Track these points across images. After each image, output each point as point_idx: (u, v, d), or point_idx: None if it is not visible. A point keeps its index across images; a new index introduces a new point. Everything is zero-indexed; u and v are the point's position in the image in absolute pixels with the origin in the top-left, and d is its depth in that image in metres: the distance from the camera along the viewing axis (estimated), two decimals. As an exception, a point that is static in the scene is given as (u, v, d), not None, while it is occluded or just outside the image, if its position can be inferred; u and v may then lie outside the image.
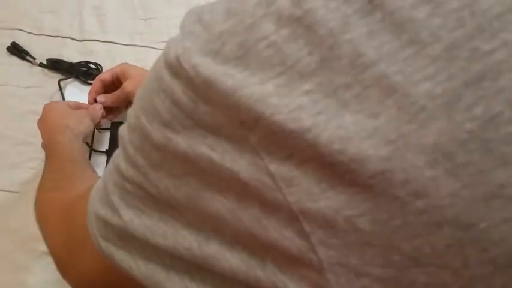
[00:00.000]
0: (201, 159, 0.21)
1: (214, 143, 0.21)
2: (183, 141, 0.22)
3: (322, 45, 0.18)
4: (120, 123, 0.74)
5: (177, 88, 0.21)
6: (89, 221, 0.29)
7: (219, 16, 0.21)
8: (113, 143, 0.73)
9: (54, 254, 0.37)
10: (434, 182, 0.17)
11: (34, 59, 0.78)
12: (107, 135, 0.75)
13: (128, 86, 0.66)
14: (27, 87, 0.77)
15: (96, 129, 0.73)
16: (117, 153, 0.27)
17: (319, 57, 0.18)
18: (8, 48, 0.79)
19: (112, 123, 0.75)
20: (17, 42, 0.79)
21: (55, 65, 0.78)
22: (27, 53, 0.79)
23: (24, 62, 0.79)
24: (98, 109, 0.68)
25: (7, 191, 0.70)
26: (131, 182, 0.25)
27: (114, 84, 0.69)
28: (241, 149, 0.20)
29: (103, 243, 0.27)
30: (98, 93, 0.69)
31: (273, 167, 0.20)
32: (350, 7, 0.18)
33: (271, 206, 0.20)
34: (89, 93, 0.70)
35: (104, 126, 0.73)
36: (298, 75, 0.19)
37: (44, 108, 0.63)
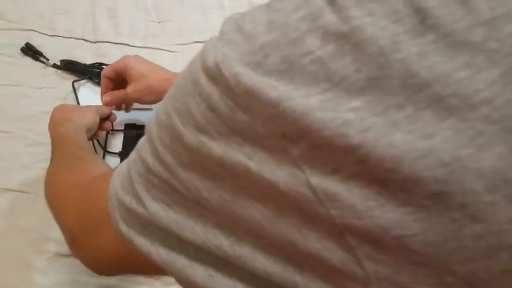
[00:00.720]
0: (238, 166, 0.21)
1: (251, 152, 0.21)
2: (218, 148, 0.21)
3: (371, 64, 0.18)
4: (133, 125, 0.75)
5: (215, 94, 0.21)
6: (110, 205, 0.28)
7: (260, 27, 0.20)
8: (126, 145, 0.73)
9: (68, 232, 0.36)
10: (493, 208, 0.17)
11: (47, 60, 0.79)
12: (120, 137, 0.75)
13: (132, 93, 0.65)
14: (41, 88, 0.78)
15: (108, 132, 0.73)
16: (143, 145, 0.26)
17: (367, 75, 0.18)
18: (22, 49, 0.79)
19: (125, 124, 0.75)
20: (30, 43, 0.79)
21: (69, 66, 0.78)
22: (41, 54, 0.79)
23: (37, 63, 0.79)
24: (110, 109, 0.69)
25: (19, 191, 0.70)
26: (158, 176, 0.25)
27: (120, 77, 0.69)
28: (280, 161, 0.20)
29: (124, 228, 0.27)
30: (107, 89, 0.69)
31: (315, 180, 0.19)
32: (400, 26, 0.18)
33: (313, 217, 0.20)
34: (100, 93, 0.70)
35: (117, 128, 0.73)
36: (344, 92, 0.18)
37: (52, 111, 0.63)
